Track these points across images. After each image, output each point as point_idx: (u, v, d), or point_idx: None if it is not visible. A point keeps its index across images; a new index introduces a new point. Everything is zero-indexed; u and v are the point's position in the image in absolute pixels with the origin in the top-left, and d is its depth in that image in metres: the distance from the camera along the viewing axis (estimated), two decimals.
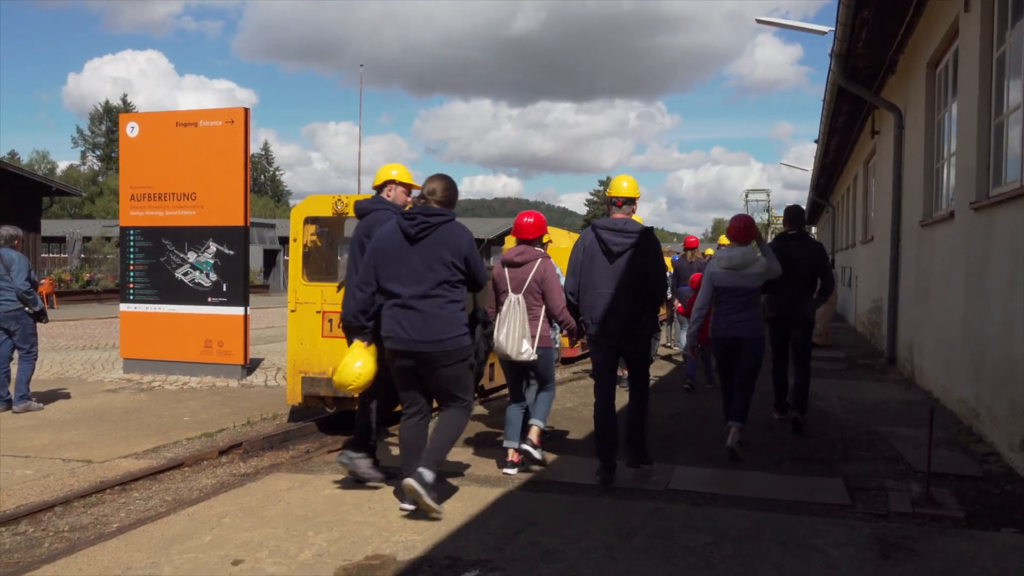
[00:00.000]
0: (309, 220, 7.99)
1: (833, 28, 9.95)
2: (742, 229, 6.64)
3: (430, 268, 4.70)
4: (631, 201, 5.63)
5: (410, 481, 4.59)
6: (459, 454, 6.34)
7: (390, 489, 5.32)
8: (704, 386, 9.46)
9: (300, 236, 7.89)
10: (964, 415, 7.39)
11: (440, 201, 4.86)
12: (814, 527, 4.58)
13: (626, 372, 5.88)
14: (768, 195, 61.84)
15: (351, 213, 7.71)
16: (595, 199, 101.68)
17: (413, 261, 4.72)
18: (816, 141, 19.25)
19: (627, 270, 5.36)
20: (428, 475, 4.63)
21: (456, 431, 4.92)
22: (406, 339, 4.69)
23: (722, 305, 6.51)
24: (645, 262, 5.38)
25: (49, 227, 42.37)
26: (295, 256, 7.89)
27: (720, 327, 6.51)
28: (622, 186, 5.65)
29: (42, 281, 25.93)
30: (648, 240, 5.45)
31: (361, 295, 4.86)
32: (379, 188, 5.81)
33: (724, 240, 9.38)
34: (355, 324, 4.94)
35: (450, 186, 4.91)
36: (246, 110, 10.52)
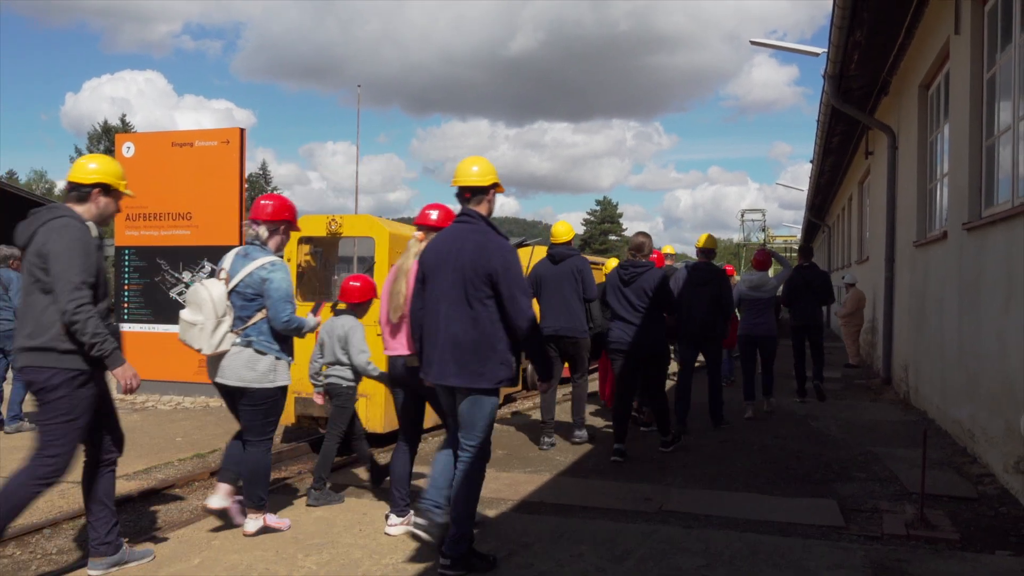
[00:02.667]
0: (303, 240, 7.99)
1: (826, 50, 10.02)
2: (762, 261, 9.80)
3: (640, 300, 6.78)
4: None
5: None
6: None
7: (380, 512, 5.29)
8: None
9: (294, 256, 7.88)
10: (959, 436, 7.37)
11: (645, 255, 7.04)
12: (808, 549, 4.55)
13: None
14: (764, 215, 62.12)
15: (345, 233, 7.73)
16: (592, 219, 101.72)
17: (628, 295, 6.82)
18: (811, 161, 19.33)
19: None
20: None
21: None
22: (628, 341, 6.77)
23: (746, 312, 9.12)
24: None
25: None
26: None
27: (745, 327, 9.13)
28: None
29: None
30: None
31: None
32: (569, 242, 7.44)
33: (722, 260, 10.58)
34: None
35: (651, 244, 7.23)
36: (241, 130, 10.57)
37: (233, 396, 4.80)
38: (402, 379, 4.90)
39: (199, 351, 4.68)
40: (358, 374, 5.77)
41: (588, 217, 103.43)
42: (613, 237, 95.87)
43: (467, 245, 4.15)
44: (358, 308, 5.85)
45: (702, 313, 8.00)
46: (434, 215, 5.08)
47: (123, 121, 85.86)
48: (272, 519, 4.89)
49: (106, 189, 4.29)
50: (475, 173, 4.36)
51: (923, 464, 5.07)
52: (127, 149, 11.04)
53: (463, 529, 4.11)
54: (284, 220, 4.88)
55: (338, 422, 5.83)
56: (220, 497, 4.82)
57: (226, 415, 9.46)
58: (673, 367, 9.16)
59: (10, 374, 8.60)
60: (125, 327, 10.95)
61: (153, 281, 10.88)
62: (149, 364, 10.78)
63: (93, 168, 4.26)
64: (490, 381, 4.10)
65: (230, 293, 4.71)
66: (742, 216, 64.15)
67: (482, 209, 4.34)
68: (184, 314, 4.69)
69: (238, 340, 4.68)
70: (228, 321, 4.67)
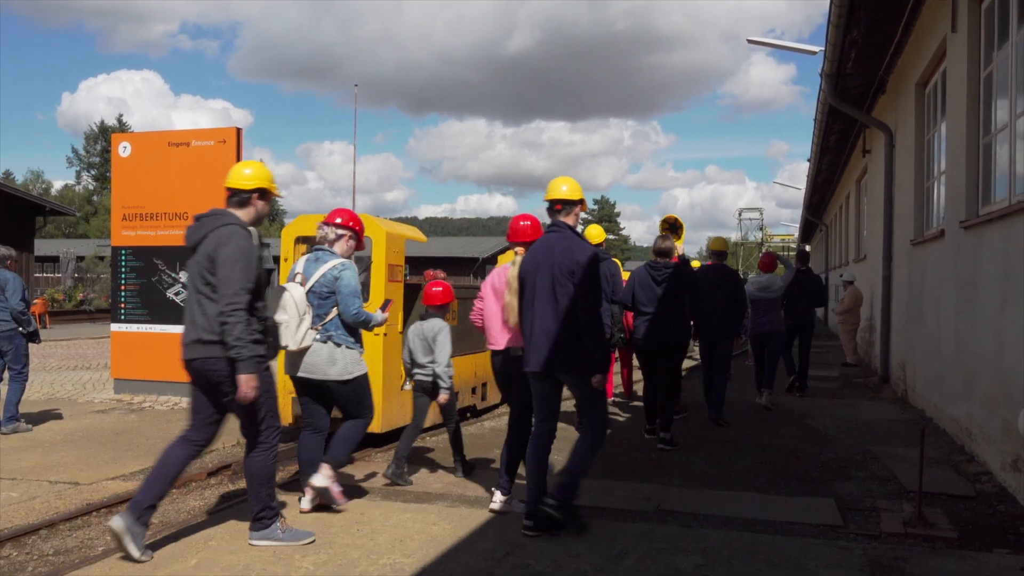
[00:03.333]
0: (300, 240, 7.97)
1: (823, 48, 10.02)
2: (768, 263, 10.48)
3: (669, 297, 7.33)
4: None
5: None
6: (448, 475, 6.30)
7: (377, 511, 5.28)
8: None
9: (291, 256, 7.86)
10: (957, 434, 7.37)
11: (670, 258, 7.63)
12: (806, 548, 4.55)
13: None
14: (761, 214, 62.23)
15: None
16: (590, 218, 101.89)
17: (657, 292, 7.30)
18: (809, 160, 19.34)
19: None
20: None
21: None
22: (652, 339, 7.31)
23: (755, 311, 9.73)
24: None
25: (44, 247, 42.25)
26: (285, 276, 7.85)
27: (755, 326, 9.79)
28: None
29: (35, 301, 25.84)
30: None
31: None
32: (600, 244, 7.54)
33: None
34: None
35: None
36: (238, 130, 10.54)
37: (315, 388, 5.35)
38: (505, 371, 5.67)
39: (285, 347, 5.16)
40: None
41: (586, 216, 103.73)
42: (611, 236, 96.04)
43: (556, 249, 4.87)
44: (440, 310, 6.43)
45: (717, 312, 8.44)
46: (524, 224, 5.64)
47: (120, 121, 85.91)
48: (337, 489, 5.30)
49: (263, 193, 4.73)
50: (565, 191, 5.09)
51: (921, 463, 5.07)
52: (123, 149, 11.01)
53: (575, 478, 4.86)
54: (352, 229, 5.47)
55: (450, 413, 6.46)
56: (323, 476, 5.21)
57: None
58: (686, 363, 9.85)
59: (6, 375, 8.58)
60: (122, 327, 10.94)
61: (150, 281, 10.85)
62: (146, 364, 10.77)
63: (250, 174, 4.73)
64: (582, 366, 4.76)
65: (308, 293, 5.23)
66: (740, 215, 64.30)
67: (569, 220, 5.08)
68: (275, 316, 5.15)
69: (318, 336, 5.22)
70: (308, 319, 5.19)
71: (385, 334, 7.34)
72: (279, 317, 5.14)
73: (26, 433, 8.41)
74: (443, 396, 6.27)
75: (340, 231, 5.42)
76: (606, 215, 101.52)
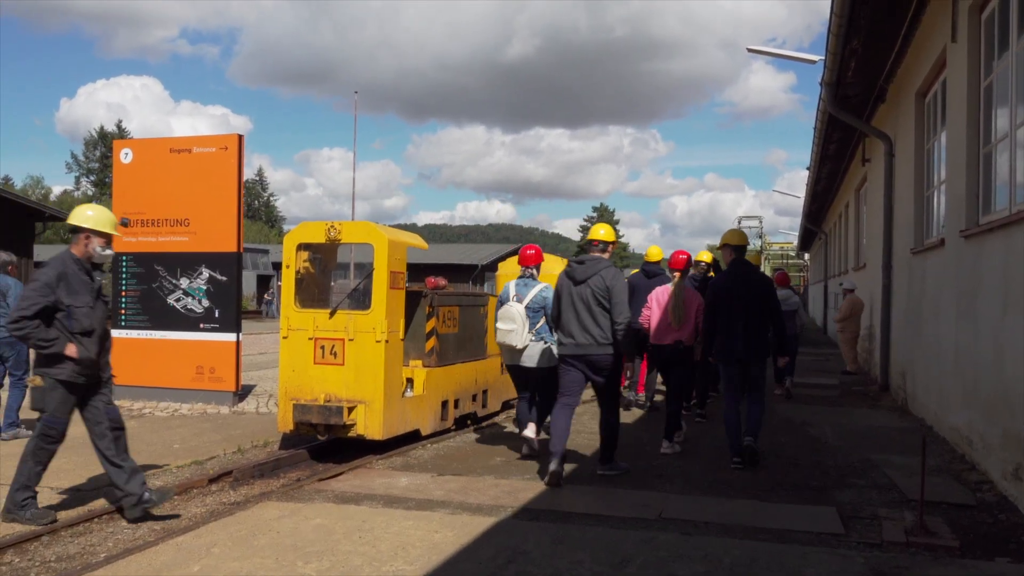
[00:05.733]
0: (302, 247, 7.98)
1: (823, 57, 10.06)
2: (783, 280, 12.42)
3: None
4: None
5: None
6: (450, 482, 6.30)
7: (380, 518, 5.28)
8: (693, 419, 9.29)
9: (293, 263, 7.88)
10: (957, 443, 7.38)
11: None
12: (807, 556, 4.55)
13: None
14: (760, 222, 62.04)
15: (344, 239, 7.73)
16: (588, 225, 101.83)
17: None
18: (808, 168, 19.37)
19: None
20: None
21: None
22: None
23: None
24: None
25: (44, 252, 42.05)
26: (287, 283, 7.87)
27: None
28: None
29: None
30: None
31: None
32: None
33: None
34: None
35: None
36: (240, 137, 10.56)
37: (529, 373, 7.42)
38: (668, 359, 7.88)
39: (514, 346, 7.29)
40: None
41: (585, 224, 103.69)
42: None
43: (752, 279, 7.23)
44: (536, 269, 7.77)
45: (739, 327, 8.73)
46: (682, 257, 8.54)
47: (119, 127, 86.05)
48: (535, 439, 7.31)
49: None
50: (603, 235, 6.79)
51: (922, 471, 5.08)
52: (125, 155, 11.03)
53: (758, 434, 7.00)
54: (539, 263, 7.69)
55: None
56: (532, 430, 7.26)
57: (223, 422, 9.49)
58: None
59: (7, 381, 8.57)
60: (122, 333, 10.93)
61: (150, 287, 10.85)
62: (146, 370, 10.76)
63: (604, 233, 6.78)
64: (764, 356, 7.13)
65: (525, 308, 7.32)
66: (739, 223, 64.08)
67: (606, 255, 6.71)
68: (500, 325, 7.38)
69: (533, 337, 7.33)
70: (527, 325, 7.29)
71: (387, 341, 7.36)
72: (507, 327, 7.28)
73: (27, 439, 8.37)
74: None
75: (536, 269, 7.65)
76: (605, 222, 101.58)
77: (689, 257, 8.63)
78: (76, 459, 7.52)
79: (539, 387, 7.46)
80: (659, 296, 8.01)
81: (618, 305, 6.27)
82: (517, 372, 7.59)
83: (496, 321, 7.43)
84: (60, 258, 5.60)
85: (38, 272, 5.70)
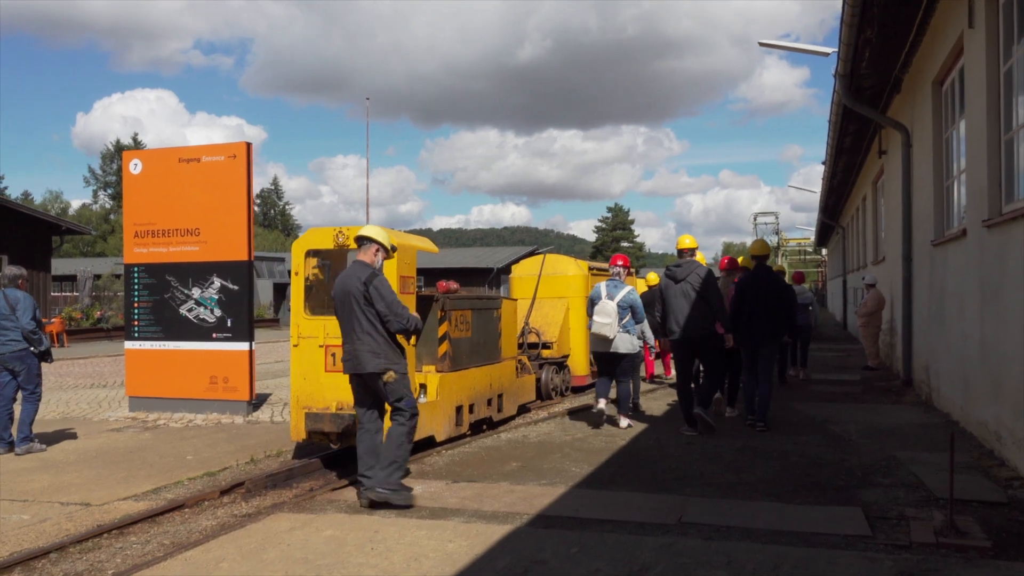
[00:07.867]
0: (311, 253, 7.90)
1: (836, 49, 9.87)
2: (798, 279, 14.61)
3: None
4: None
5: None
6: (464, 489, 6.18)
7: (392, 528, 5.17)
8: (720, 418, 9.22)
9: (302, 270, 7.79)
10: (985, 438, 7.18)
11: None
12: (834, 560, 4.40)
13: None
14: (777, 218, 61.49)
15: (352, 245, 7.63)
16: (604, 226, 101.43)
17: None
18: (823, 163, 19.13)
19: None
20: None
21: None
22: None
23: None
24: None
25: (61, 266, 42.49)
26: (297, 290, 7.79)
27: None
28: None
29: (52, 320, 25.94)
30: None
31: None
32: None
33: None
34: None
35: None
36: (248, 144, 10.50)
37: (614, 359, 8.97)
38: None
39: (607, 336, 8.79)
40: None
41: (600, 224, 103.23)
42: (626, 244, 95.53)
43: (768, 279, 8.81)
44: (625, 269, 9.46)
45: (758, 321, 9.38)
46: (726, 262, 10.99)
47: (135, 140, 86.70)
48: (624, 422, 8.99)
49: None
50: (688, 243, 8.61)
51: (951, 468, 4.91)
52: (134, 166, 11.01)
53: (768, 402, 8.58)
54: (627, 267, 9.37)
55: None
56: (604, 403, 8.97)
57: (238, 432, 9.42)
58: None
59: (20, 395, 8.54)
60: (135, 345, 10.91)
61: (163, 298, 10.81)
62: (160, 382, 10.73)
63: (689, 242, 8.60)
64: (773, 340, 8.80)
65: (616, 305, 8.84)
66: (755, 219, 63.57)
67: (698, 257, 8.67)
68: (596, 318, 8.84)
69: (620, 329, 8.86)
70: (617, 319, 8.82)
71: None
72: (603, 320, 8.80)
73: (40, 453, 8.36)
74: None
75: (625, 271, 9.29)
76: (620, 223, 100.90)
77: (730, 260, 10.92)
78: (88, 473, 7.47)
79: (705, 369, 8.96)
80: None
81: (712, 295, 8.18)
82: (605, 359, 9.07)
83: (592, 315, 8.92)
84: (369, 267, 6.14)
85: (386, 287, 5.96)
